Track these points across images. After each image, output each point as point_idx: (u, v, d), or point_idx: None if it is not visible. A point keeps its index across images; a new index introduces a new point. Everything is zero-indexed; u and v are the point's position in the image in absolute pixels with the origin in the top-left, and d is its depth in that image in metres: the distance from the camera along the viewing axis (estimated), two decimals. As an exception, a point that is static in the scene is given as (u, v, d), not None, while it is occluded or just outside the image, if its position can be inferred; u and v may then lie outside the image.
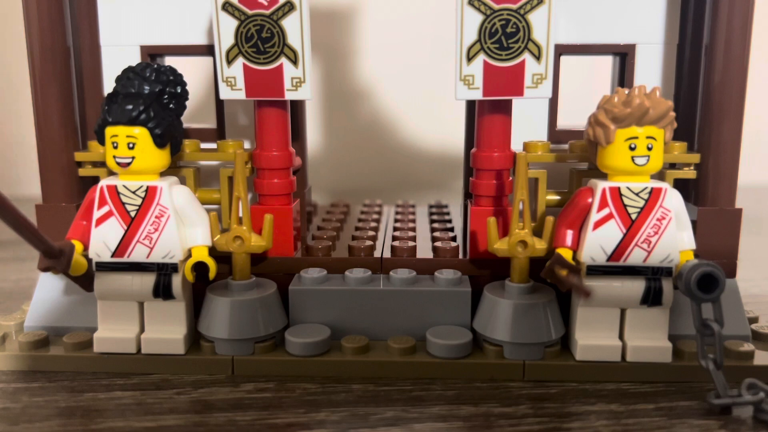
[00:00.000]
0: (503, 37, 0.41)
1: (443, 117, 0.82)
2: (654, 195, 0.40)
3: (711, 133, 0.43)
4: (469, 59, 0.42)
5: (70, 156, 0.46)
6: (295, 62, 0.43)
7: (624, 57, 0.47)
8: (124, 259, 0.41)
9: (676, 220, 0.39)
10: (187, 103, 0.43)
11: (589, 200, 0.40)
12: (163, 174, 0.43)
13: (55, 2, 0.44)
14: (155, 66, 0.42)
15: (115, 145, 0.40)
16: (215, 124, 0.50)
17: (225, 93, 0.44)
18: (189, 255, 0.42)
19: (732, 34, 0.42)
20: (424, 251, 0.48)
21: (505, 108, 0.44)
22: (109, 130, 0.40)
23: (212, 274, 0.42)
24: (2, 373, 0.42)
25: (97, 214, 0.41)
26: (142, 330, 0.43)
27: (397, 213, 0.62)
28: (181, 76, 0.43)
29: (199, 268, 0.42)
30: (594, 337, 0.41)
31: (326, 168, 0.89)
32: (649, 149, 0.39)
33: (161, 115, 0.41)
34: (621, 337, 0.42)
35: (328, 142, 0.92)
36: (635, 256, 0.39)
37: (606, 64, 0.50)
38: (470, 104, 0.50)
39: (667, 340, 0.41)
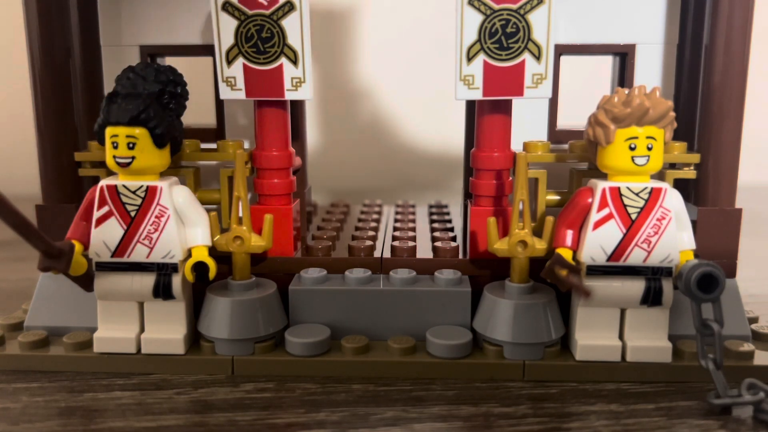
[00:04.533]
0: (503, 37, 0.41)
1: (443, 117, 0.82)
2: (654, 195, 0.40)
3: (711, 133, 0.43)
4: (469, 59, 0.42)
5: (70, 156, 0.46)
6: (295, 62, 0.43)
7: (624, 57, 0.47)
8: (124, 259, 0.41)
9: (676, 220, 0.39)
10: (187, 103, 0.43)
11: (589, 200, 0.40)
12: (163, 174, 0.43)
13: (55, 2, 0.44)
14: (155, 66, 0.42)
15: (115, 145, 0.40)
16: (215, 124, 0.50)
17: (225, 93, 0.44)
18: (189, 255, 0.42)
19: (732, 34, 0.42)
20: (424, 251, 0.48)
21: (505, 108, 0.44)
22: (109, 130, 0.40)
23: (212, 274, 0.42)
24: (2, 373, 0.42)
25: (96, 214, 0.41)
26: (142, 330, 0.43)
27: (397, 213, 0.62)
28: (181, 76, 0.43)
29: (199, 268, 0.42)
30: (594, 337, 0.41)
31: (326, 168, 0.89)
32: (649, 149, 0.39)
33: (161, 115, 0.40)
34: (621, 337, 0.42)
35: (328, 142, 0.92)
36: (635, 256, 0.39)
37: (606, 64, 0.50)
38: (470, 104, 0.50)
39: (667, 340, 0.41)
